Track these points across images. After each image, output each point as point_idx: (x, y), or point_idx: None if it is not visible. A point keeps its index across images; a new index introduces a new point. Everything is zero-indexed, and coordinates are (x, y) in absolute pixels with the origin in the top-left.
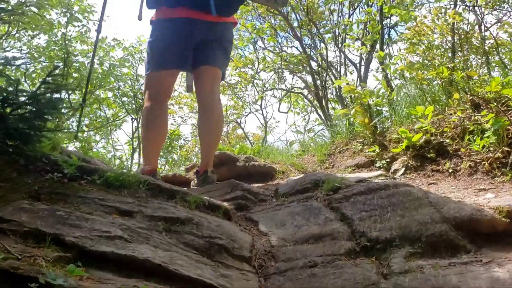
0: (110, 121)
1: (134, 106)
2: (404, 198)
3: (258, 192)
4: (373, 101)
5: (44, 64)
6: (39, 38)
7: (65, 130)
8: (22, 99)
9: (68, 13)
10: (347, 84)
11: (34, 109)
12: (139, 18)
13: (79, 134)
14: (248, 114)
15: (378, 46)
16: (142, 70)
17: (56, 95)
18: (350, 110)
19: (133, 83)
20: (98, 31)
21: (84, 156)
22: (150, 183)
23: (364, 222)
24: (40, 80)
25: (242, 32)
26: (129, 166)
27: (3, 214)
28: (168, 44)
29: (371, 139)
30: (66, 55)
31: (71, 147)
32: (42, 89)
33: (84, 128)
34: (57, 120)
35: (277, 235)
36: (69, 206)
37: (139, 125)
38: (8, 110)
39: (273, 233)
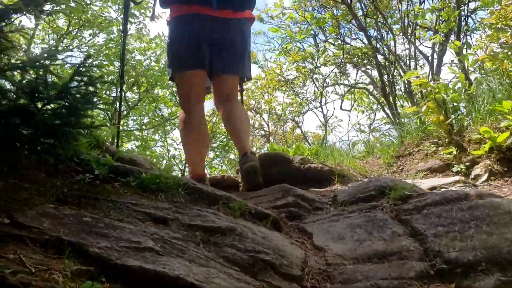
0: (166, 119)
1: None
2: (491, 211)
3: (314, 199)
4: (448, 96)
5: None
6: (98, 36)
7: (102, 126)
8: (53, 92)
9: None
10: (418, 77)
11: (66, 103)
12: (152, 19)
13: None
14: (306, 112)
15: (453, 35)
16: None
17: (90, 88)
18: (422, 107)
19: None
20: (124, 32)
21: (128, 155)
22: (190, 186)
23: (440, 239)
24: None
25: (301, 24)
26: (183, 167)
27: (24, 219)
28: (182, 44)
29: (446, 140)
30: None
31: (130, 145)
32: (75, 82)
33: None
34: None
35: (334, 250)
36: (98, 211)
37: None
38: (39, 105)
39: (329, 248)
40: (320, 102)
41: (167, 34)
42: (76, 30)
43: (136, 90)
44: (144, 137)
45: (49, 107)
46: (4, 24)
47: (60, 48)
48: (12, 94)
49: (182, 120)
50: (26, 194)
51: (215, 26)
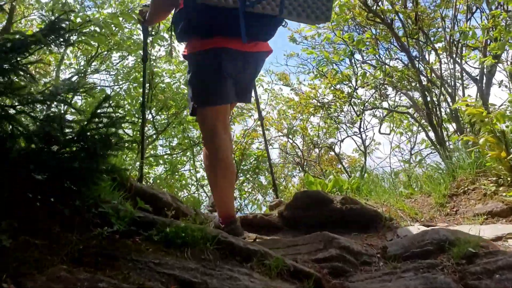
0: (195, 143)
1: None
2: None
3: (360, 251)
4: (508, 127)
5: (128, 85)
6: (127, 59)
7: (125, 169)
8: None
9: (153, 32)
10: (469, 105)
11: (84, 147)
12: (171, 55)
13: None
14: (344, 139)
15: (504, 56)
16: None
17: (111, 129)
18: (478, 139)
19: None
20: (144, 59)
21: (155, 192)
22: (220, 240)
23: None
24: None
25: (337, 45)
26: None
27: (33, 286)
28: (208, 79)
29: (508, 179)
30: (151, 76)
31: (159, 168)
32: (93, 125)
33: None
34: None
35: None
36: (117, 273)
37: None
38: (54, 148)
39: None
40: (359, 128)
41: (188, 68)
42: (106, 52)
43: (165, 113)
44: (173, 159)
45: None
46: (23, 56)
47: (88, 71)
48: (24, 138)
49: (208, 156)
50: (37, 253)
51: (239, 60)
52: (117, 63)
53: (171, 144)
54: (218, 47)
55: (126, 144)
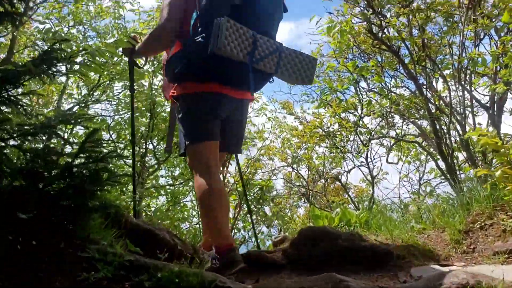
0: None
1: None
2: None
3: None
4: None
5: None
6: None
7: (116, 206)
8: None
9: (155, 62)
10: (482, 135)
11: (71, 183)
12: (166, 97)
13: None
14: (351, 170)
15: None
16: None
17: (101, 164)
18: (493, 171)
19: None
20: (132, 90)
21: (151, 228)
22: (218, 286)
23: None
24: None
25: (342, 73)
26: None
27: None
28: (200, 118)
29: None
30: (152, 106)
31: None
32: (81, 159)
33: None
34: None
35: None
36: None
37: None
38: (40, 185)
39: None
40: (366, 158)
41: (179, 108)
42: (108, 82)
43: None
44: (175, 190)
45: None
46: (14, 87)
47: (90, 101)
48: (7, 174)
49: (202, 186)
50: None
51: (231, 107)
52: (119, 93)
53: (173, 174)
54: (214, 91)
55: (119, 179)
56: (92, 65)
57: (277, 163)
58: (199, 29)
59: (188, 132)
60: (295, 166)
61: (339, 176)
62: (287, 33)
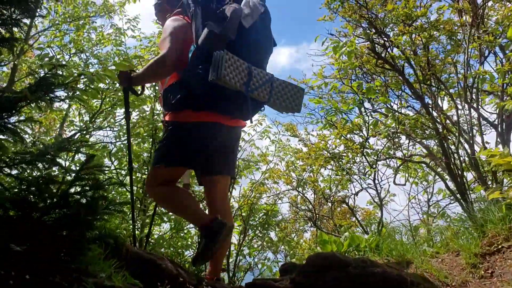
0: (199, 199)
1: None
2: None
3: None
4: None
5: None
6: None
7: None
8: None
9: (156, 87)
10: (493, 155)
11: (67, 213)
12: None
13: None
14: (358, 192)
15: None
16: None
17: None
18: (507, 191)
19: None
20: (127, 119)
21: (153, 258)
22: None
23: None
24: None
25: (346, 93)
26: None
27: None
28: (188, 146)
29: None
30: (154, 131)
31: (166, 225)
32: (77, 188)
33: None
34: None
35: None
36: None
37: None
38: (35, 215)
39: None
40: (374, 180)
41: (168, 133)
42: (110, 108)
43: None
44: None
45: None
46: (9, 115)
47: (91, 128)
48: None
49: (160, 193)
50: None
51: (225, 135)
52: (121, 119)
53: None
54: (210, 121)
55: (119, 207)
56: (90, 90)
57: (282, 186)
58: (198, 60)
59: (164, 155)
60: (300, 189)
61: (346, 199)
62: (287, 57)
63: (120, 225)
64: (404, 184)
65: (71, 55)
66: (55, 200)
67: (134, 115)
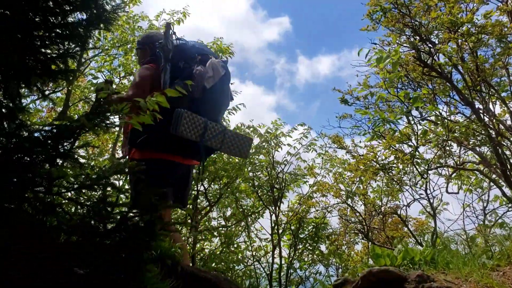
0: (246, 214)
1: (271, 197)
2: None
3: None
4: None
5: None
6: None
7: (172, 250)
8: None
9: None
10: None
11: (126, 236)
12: (123, 153)
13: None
14: (410, 203)
15: None
16: (279, 156)
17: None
18: None
19: (270, 171)
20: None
21: (207, 276)
22: None
23: None
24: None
25: (392, 102)
26: (270, 266)
27: None
28: (155, 179)
29: None
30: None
31: (216, 240)
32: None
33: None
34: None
35: None
36: None
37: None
38: (96, 239)
39: None
40: (426, 190)
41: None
42: None
43: (218, 183)
44: (228, 231)
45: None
46: (68, 142)
47: None
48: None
49: None
50: None
51: (179, 170)
52: None
53: (224, 214)
54: (168, 159)
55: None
56: (143, 115)
57: (330, 199)
58: (162, 110)
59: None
60: (349, 201)
61: (398, 210)
62: (329, 66)
63: (174, 244)
64: (457, 193)
65: (121, 78)
66: (115, 224)
67: None
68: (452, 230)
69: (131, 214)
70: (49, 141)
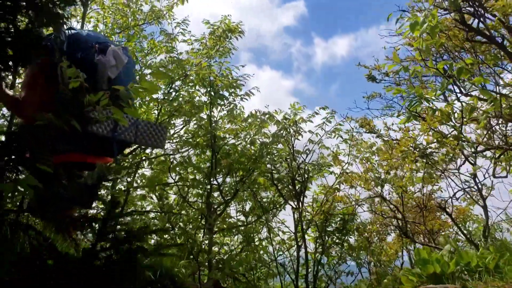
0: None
1: (292, 192)
2: None
3: None
4: None
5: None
6: (189, 124)
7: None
8: None
9: (212, 92)
10: None
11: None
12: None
13: None
14: (456, 194)
15: None
16: (299, 145)
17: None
18: None
19: (290, 162)
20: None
21: None
22: None
23: None
24: None
25: (428, 78)
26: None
27: None
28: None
29: None
30: (213, 140)
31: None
32: None
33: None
34: None
35: None
36: None
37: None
38: None
39: None
40: (474, 178)
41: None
42: (167, 118)
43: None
44: (247, 228)
45: None
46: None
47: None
48: None
49: None
50: None
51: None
52: (180, 129)
53: (244, 208)
54: (78, 161)
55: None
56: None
57: (360, 190)
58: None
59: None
60: (382, 191)
61: (444, 204)
62: (346, 47)
63: (179, 261)
64: (506, 176)
65: None
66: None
67: (192, 125)
68: (503, 220)
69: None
70: None
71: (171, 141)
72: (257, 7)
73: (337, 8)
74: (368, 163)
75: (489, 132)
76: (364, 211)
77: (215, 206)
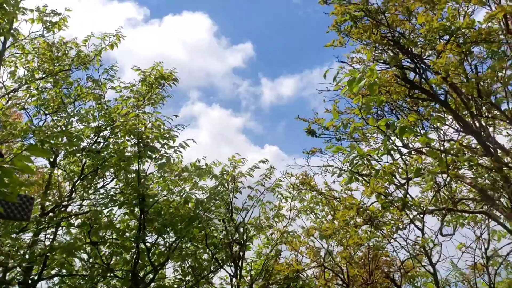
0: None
1: (228, 253)
2: None
3: None
4: None
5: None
6: (117, 177)
7: None
8: None
9: (141, 144)
10: None
11: None
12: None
13: None
14: (404, 262)
15: None
16: (238, 202)
17: None
18: None
19: (228, 223)
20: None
21: None
22: None
23: None
24: None
25: (368, 132)
26: None
27: None
28: None
29: None
30: (141, 198)
31: None
32: None
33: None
34: None
35: None
36: None
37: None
38: None
39: None
40: (427, 255)
41: None
42: (92, 172)
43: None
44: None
45: None
46: None
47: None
48: None
49: None
50: None
51: None
52: (109, 182)
53: (183, 268)
54: None
55: None
56: None
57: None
58: None
59: None
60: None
61: (391, 273)
62: (292, 88)
63: None
64: (453, 234)
65: (52, 115)
66: None
67: (121, 179)
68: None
69: None
70: None
71: (97, 196)
72: (206, 49)
73: (283, 51)
74: (313, 213)
75: (435, 194)
76: (310, 268)
77: (142, 275)
